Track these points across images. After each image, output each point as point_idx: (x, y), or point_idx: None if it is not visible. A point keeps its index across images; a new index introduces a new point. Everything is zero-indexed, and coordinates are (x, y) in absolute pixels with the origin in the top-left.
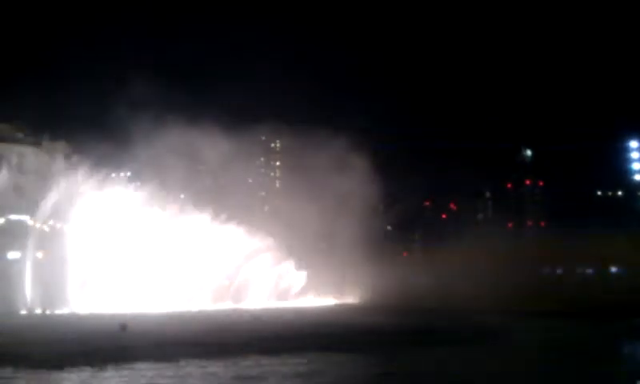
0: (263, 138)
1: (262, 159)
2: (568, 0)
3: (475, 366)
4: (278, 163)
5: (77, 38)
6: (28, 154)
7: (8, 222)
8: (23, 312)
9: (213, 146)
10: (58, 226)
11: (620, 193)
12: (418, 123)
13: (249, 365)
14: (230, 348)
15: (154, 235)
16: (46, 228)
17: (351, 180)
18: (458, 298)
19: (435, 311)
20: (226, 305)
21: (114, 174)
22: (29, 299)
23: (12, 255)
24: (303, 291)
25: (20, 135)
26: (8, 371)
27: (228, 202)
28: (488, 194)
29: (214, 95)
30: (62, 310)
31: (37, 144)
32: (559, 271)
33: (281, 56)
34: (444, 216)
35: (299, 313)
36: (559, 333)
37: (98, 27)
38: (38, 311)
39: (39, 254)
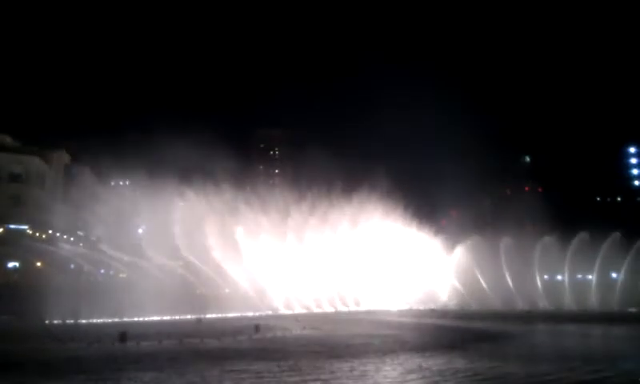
0: None
1: None
2: (567, 8)
3: None
4: None
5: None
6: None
7: (7, 231)
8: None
9: None
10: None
11: (619, 198)
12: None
13: None
14: None
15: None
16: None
17: None
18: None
19: None
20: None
21: None
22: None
23: (11, 264)
24: None
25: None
26: (9, 380)
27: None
28: (488, 200)
29: None
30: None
31: (37, 153)
32: (559, 277)
33: None
34: (443, 222)
35: None
36: None
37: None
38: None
39: (38, 263)
